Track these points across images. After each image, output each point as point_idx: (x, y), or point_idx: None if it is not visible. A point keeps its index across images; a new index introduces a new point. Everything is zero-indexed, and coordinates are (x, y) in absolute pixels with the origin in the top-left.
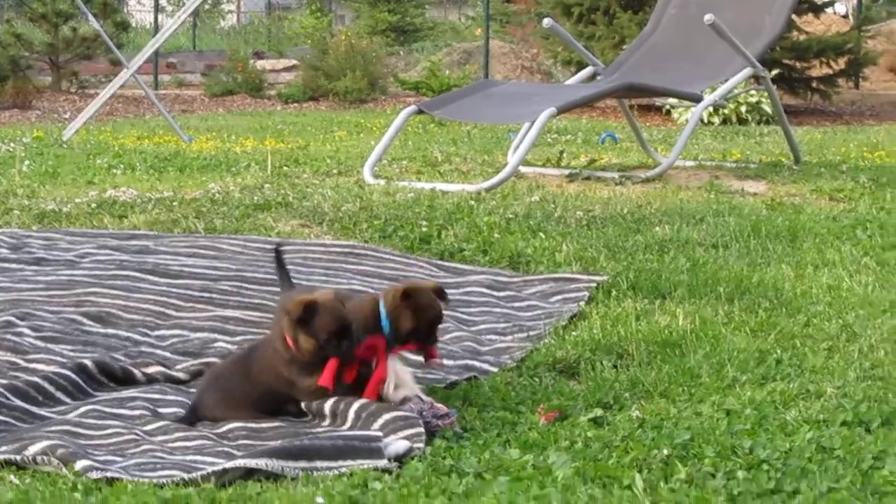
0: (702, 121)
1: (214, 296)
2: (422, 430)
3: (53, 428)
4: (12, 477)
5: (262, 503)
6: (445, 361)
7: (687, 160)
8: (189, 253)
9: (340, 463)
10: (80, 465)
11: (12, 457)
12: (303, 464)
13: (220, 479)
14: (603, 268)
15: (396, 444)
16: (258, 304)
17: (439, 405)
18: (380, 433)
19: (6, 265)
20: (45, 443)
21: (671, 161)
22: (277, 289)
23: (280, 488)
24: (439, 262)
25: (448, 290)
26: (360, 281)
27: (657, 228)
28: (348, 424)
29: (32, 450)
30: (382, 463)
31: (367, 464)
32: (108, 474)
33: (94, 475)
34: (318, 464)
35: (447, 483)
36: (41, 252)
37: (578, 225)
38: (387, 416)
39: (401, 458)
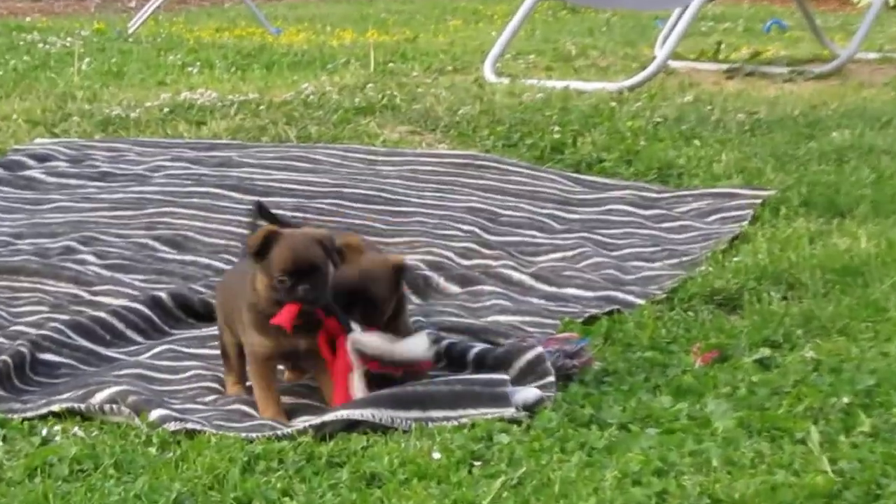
0: (887, 3)
1: (309, 215)
2: (552, 378)
3: (123, 371)
4: (76, 429)
5: (369, 458)
6: (583, 293)
7: (870, 51)
8: (279, 165)
9: (460, 412)
10: (154, 414)
11: (76, 405)
12: (416, 413)
13: (318, 432)
14: (770, 181)
15: (525, 391)
16: (360, 224)
17: (566, 336)
18: (506, 376)
19: (66, 181)
20: (113, 389)
21: (851, 53)
22: (381, 207)
23: (390, 442)
24: (574, 176)
25: (586, 209)
26: (479, 198)
27: (834, 133)
28: (468, 371)
29: (99, 397)
30: (509, 412)
31: (492, 413)
32: (188, 425)
33: (172, 426)
34: (434, 413)
35: (586, 436)
36: (106, 165)
37: (740, 130)
38: (516, 365)
39: (530, 408)
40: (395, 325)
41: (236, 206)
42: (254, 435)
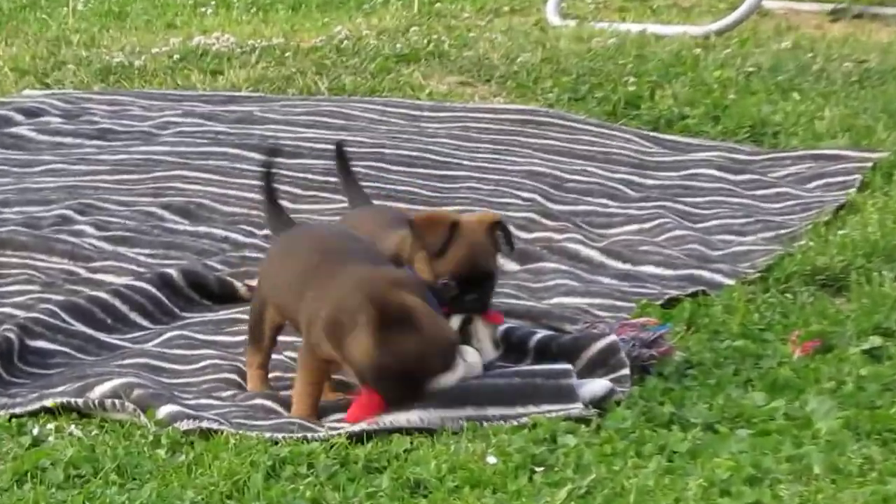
0: None
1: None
2: (626, 370)
3: (127, 361)
4: (73, 427)
5: (413, 463)
6: (663, 271)
7: None
8: (307, 122)
9: (519, 410)
10: (163, 411)
11: (73, 400)
12: (469, 411)
13: (354, 436)
14: (881, 141)
15: (594, 385)
16: (403, 191)
17: (642, 321)
18: (569, 366)
19: (59, 139)
20: (116, 381)
21: None
22: (427, 171)
23: (437, 444)
24: (652, 135)
25: (665, 173)
26: (541, 160)
27: None
28: (528, 361)
29: (99, 391)
30: (577, 409)
31: (556, 410)
32: (203, 424)
33: (184, 425)
34: (490, 411)
35: (665, 438)
36: (106, 121)
37: (846, 82)
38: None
39: (601, 404)
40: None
41: (258, 170)
42: (279, 435)
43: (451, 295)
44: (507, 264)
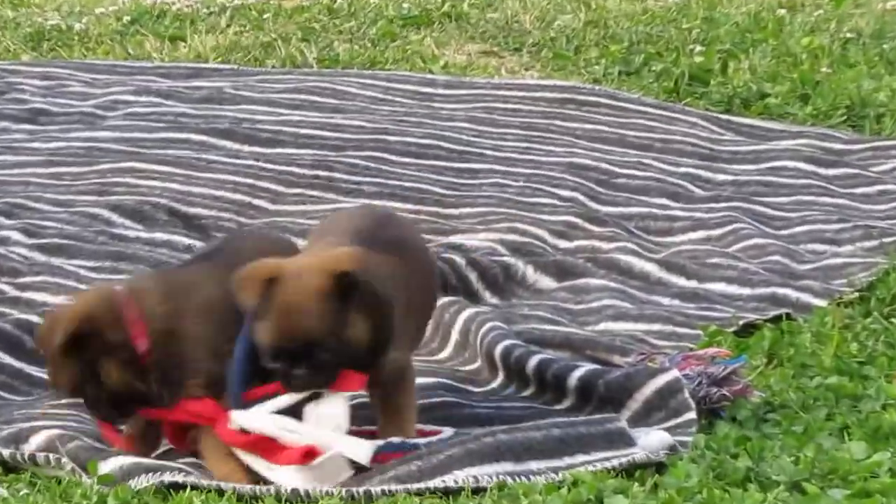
0: None
1: (336, 175)
2: (692, 414)
3: (64, 402)
4: (0, 488)
5: None
6: (737, 289)
7: None
8: (292, 102)
9: (567, 461)
10: (111, 464)
11: (1, 451)
12: (507, 466)
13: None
14: None
15: (651, 435)
16: (411, 189)
17: (711, 353)
18: (616, 415)
19: None
20: (49, 431)
21: None
22: (441, 163)
23: None
24: (724, 118)
25: (740, 166)
26: (585, 150)
27: None
28: (568, 402)
29: (34, 443)
30: (639, 454)
31: (613, 458)
32: (165, 478)
33: (140, 482)
34: (533, 465)
35: (741, 500)
36: (38, 100)
37: None
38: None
39: (658, 458)
40: (376, 375)
41: (231, 161)
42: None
43: (279, 371)
44: (541, 280)
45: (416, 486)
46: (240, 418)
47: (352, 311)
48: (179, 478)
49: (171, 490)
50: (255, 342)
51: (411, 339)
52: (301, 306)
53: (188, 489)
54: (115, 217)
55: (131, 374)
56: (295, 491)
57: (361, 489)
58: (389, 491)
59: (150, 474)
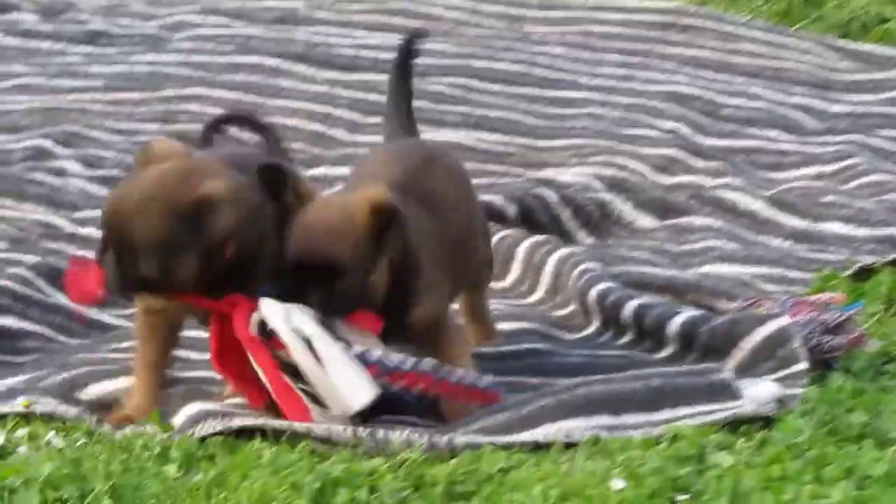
0: None
1: (419, 103)
2: (803, 364)
3: (125, 345)
4: (52, 435)
5: (512, 487)
6: (853, 230)
7: None
8: (371, 23)
9: (667, 414)
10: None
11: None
12: (604, 419)
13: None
14: None
15: (758, 386)
16: (498, 120)
17: (824, 298)
18: (719, 366)
19: (34, 44)
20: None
21: None
22: (533, 91)
23: (544, 462)
24: (840, 44)
25: (858, 96)
26: (689, 77)
27: None
28: (668, 350)
29: (92, 390)
30: (747, 407)
31: (717, 411)
32: (234, 423)
33: (206, 428)
34: (629, 418)
35: (855, 457)
36: (97, 20)
37: None
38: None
39: (766, 411)
40: (404, 324)
41: (305, 87)
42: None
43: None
44: (640, 219)
45: (503, 438)
46: (266, 308)
47: (383, 252)
48: (249, 421)
49: (240, 440)
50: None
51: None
52: (334, 228)
53: (258, 440)
54: None
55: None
56: (375, 439)
57: (444, 438)
58: (474, 443)
59: (219, 420)
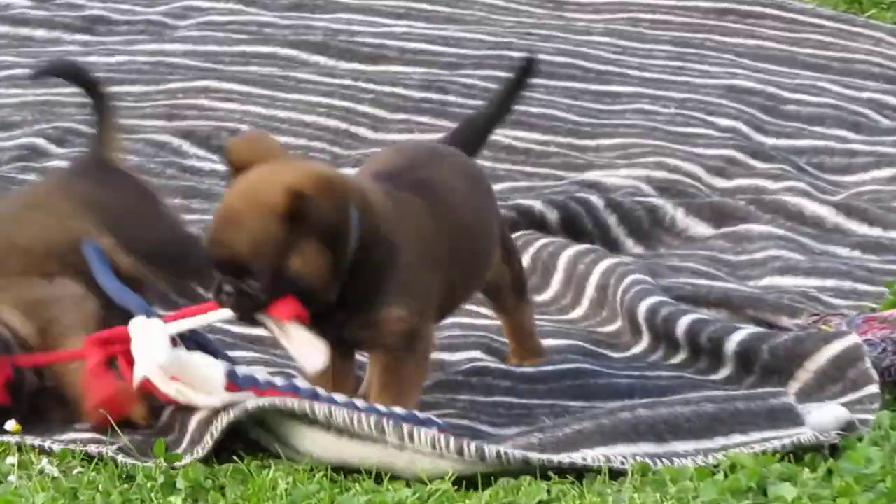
0: None
1: (449, 98)
2: (875, 387)
3: None
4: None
5: None
6: None
7: None
8: (397, 10)
9: (721, 442)
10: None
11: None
12: (648, 447)
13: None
14: None
15: (824, 410)
16: (539, 116)
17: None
18: (782, 389)
19: (26, 31)
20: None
21: None
22: (576, 85)
23: (588, 493)
24: None
25: None
26: (748, 70)
27: None
28: (725, 371)
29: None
30: (805, 434)
31: (775, 438)
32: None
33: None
34: (679, 446)
35: None
36: (97, 5)
37: None
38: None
39: (832, 437)
40: (369, 322)
41: (323, 81)
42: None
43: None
44: (694, 227)
45: (539, 455)
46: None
47: (302, 238)
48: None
49: (252, 468)
50: None
51: (437, 300)
52: (237, 218)
53: (272, 468)
54: (186, 146)
55: None
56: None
57: (474, 444)
58: (505, 454)
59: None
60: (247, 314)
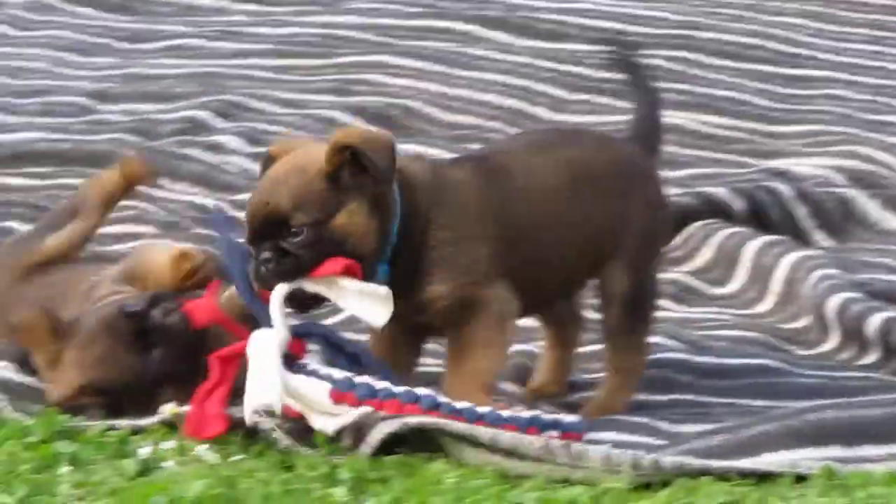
0: None
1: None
2: None
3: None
4: (202, 448)
5: None
6: None
7: None
8: None
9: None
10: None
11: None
12: (835, 451)
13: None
14: None
15: None
16: (724, 99)
17: None
18: None
19: (190, 0)
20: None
21: None
22: (765, 68)
23: (770, 496)
24: None
25: None
26: None
27: None
28: None
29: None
30: None
31: None
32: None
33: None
34: (871, 450)
35: None
36: None
37: None
38: None
39: None
40: (419, 304)
41: (500, 58)
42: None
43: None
44: (889, 219)
45: (719, 463)
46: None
47: (347, 197)
48: (425, 419)
49: (417, 461)
50: None
51: (495, 271)
52: (279, 178)
53: (439, 461)
54: (356, 122)
55: None
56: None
57: (649, 457)
58: (683, 465)
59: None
60: (290, 276)
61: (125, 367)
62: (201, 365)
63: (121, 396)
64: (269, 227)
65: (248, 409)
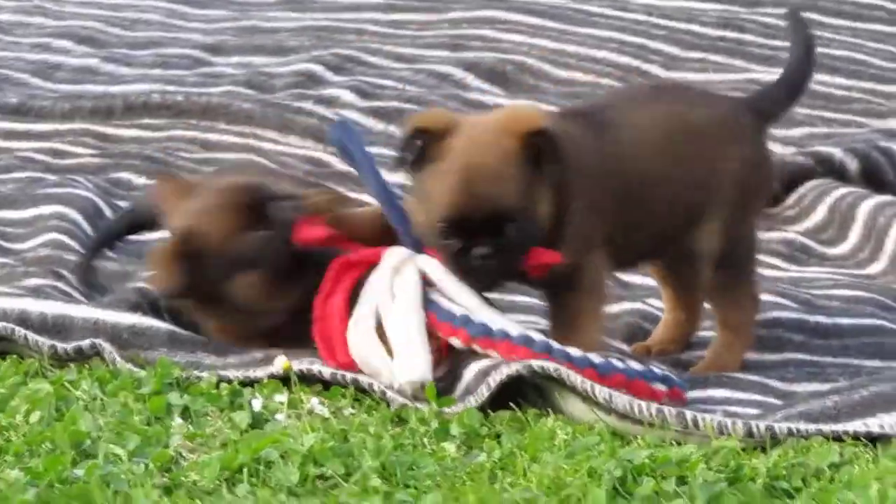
0: None
1: (746, 37)
2: None
3: None
4: (315, 401)
5: (845, 486)
6: None
7: None
8: None
9: None
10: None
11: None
12: None
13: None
14: None
15: None
16: (843, 59)
17: None
18: None
19: None
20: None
21: None
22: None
23: (884, 457)
24: None
25: None
26: None
27: None
28: None
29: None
30: None
31: None
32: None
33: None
34: None
35: None
36: None
37: None
38: None
39: None
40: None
41: (615, 15)
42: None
43: (450, 251)
44: None
45: (832, 427)
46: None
47: (542, 180)
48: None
49: (529, 417)
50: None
51: (601, 238)
52: (490, 168)
53: (551, 418)
54: (469, 78)
55: None
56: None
57: (763, 425)
58: (797, 430)
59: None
60: (509, 272)
61: (224, 227)
62: (293, 295)
63: (207, 260)
64: (491, 222)
65: (399, 380)
